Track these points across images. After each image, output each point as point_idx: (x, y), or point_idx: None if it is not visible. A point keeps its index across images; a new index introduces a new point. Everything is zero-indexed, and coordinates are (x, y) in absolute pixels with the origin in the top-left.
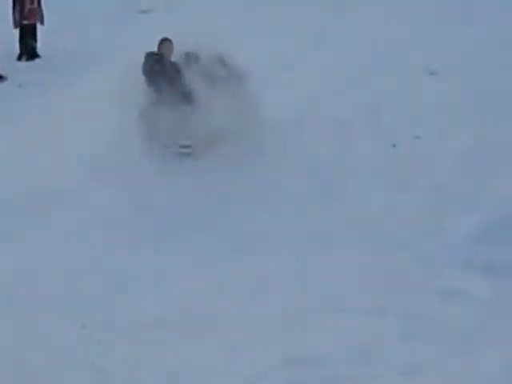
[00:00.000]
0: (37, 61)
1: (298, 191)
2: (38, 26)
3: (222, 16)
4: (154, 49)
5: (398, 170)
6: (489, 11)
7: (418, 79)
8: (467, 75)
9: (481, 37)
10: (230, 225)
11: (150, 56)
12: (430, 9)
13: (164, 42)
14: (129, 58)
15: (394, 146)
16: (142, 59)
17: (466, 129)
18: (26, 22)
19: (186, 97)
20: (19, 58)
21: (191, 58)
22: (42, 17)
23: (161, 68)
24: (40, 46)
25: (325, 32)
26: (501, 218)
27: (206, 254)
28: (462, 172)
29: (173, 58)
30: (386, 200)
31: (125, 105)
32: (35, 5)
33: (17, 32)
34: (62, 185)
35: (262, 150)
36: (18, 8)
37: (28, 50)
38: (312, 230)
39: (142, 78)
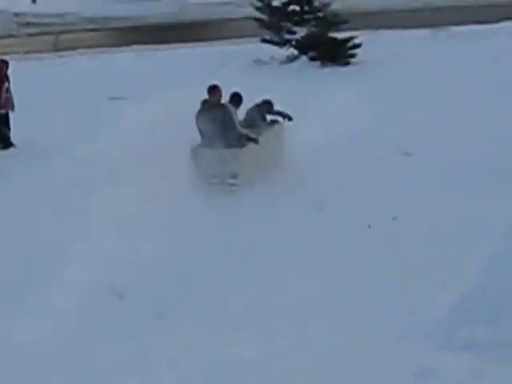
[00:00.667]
0: (11, 150)
1: None
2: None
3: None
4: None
5: (372, 249)
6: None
7: (392, 159)
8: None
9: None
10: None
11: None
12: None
13: (211, 89)
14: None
15: (369, 226)
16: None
17: (439, 207)
18: (2, 111)
19: (236, 138)
20: None
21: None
22: (13, 104)
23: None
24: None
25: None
26: (479, 295)
27: None
28: (437, 249)
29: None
30: (361, 278)
31: None
32: (9, 93)
33: None
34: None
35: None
36: None
37: (2, 139)
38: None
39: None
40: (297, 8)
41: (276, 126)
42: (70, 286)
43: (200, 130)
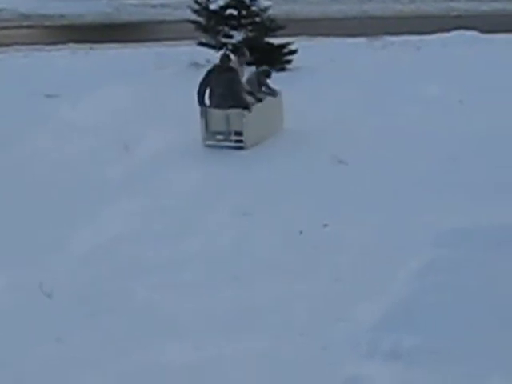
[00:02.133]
0: None
1: None
2: None
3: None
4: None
5: (302, 257)
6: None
7: (326, 167)
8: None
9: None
10: None
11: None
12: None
13: (225, 57)
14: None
15: (300, 233)
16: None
17: (371, 217)
18: None
19: (241, 99)
20: None
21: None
22: None
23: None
24: None
25: None
26: (405, 305)
27: None
28: (365, 260)
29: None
30: (289, 288)
31: None
32: None
33: None
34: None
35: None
36: None
37: None
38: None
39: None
40: (234, 12)
41: (275, 96)
42: None
43: (211, 90)
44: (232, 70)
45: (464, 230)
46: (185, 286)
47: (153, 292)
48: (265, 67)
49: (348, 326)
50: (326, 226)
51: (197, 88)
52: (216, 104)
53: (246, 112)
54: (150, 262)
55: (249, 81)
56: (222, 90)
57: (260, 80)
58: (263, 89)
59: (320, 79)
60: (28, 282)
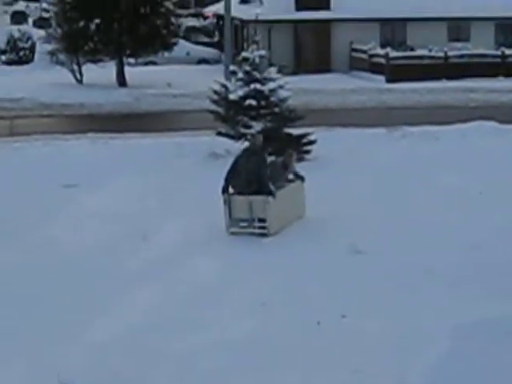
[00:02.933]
0: None
1: None
2: None
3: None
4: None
5: (321, 348)
6: None
7: (344, 257)
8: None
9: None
10: None
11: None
12: None
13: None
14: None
15: (318, 323)
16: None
17: (388, 308)
18: None
19: (266, 185)
20: None
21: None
22: None
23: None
24: None
25: None
26: None
27: None
28: (383, 351)
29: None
30: (308, 380)
31: None
32: None
33: None
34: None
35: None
36: None
37: None
38: None
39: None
40: (253, 102)
41: (297, 182)
42: None
43: (237, 174)
44: (259, 153)
45: (480, 322)
46: (202, 376)
47: (173, 382)
48: (289, 151)
49: None
50: (344, 316)
51: (224, 175)
52: (240, 189)
53: (269, 199)
54: (168, 352)
55: (272, 164)
56: (248, 175)
57: (286, 164)
58: (289, 174)
59: (339, 169)
60: (47, 372)
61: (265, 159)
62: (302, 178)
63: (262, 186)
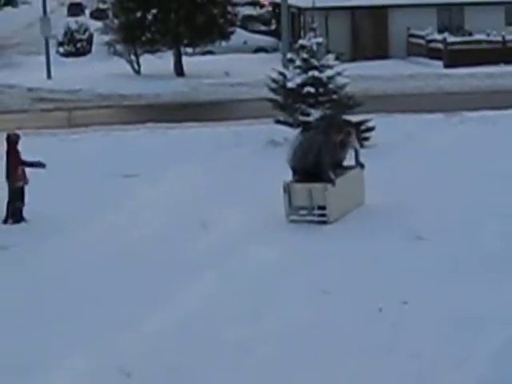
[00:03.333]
0: (22, 224)
1: None
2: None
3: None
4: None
5: (382, 335)
6: None
7: (405, 243)
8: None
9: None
10: None
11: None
12: None
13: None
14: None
15: (380, 310)
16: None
17: (448, 294)
18: (19, 184)
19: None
20: (5, 220)
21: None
22: (27, 178)
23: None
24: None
25: None
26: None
27: None
28: (445, 337)
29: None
30: (370, 366)
31: None
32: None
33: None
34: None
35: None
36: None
37: (15, 213)
38: None
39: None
40: (311, 90)
41: (357, 169)
42: None
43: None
44: (325, 133)
45: None
46: (260, 365)
47: (231, 371)
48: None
49: None
50: (405, 303)
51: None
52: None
53: (329, 186)
54: (226, 341)
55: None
56: (306, 155)
57: (345, 142)
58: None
59: (398, 155)
60: (106, 362)
61: (328, 141)
62: (361, 165)
63: (320, 171)
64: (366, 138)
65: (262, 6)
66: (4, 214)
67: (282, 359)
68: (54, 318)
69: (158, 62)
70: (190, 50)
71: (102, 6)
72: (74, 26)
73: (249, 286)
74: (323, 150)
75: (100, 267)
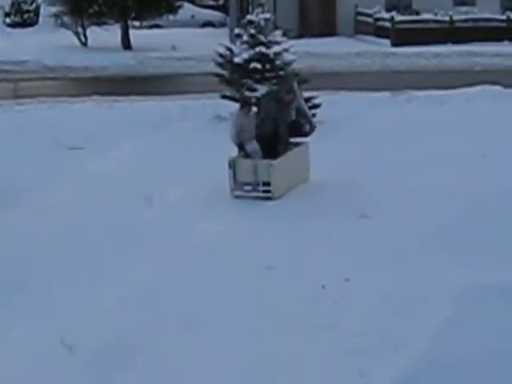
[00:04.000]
0: None
1: None
2: None
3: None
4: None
5: (325, 312)
6: None
7: (348, 221)
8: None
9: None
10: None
11: None
12: None
13: None
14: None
15: (323, 287)
16: None
17: (392, 272)
18: None
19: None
20: None
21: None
22: None
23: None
24: None
25: None
26: (427, 361)
27: None
28: (386, 314)
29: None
30: (311, 343)
31: None
32: None
33: None
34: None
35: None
36: None
37: None
38: None
39: None
40: (258, 66)
41: (302, 146)
42: None
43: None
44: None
45: (485, 285)
46: (207, 341)
47: (177, 347)
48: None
49: (369, 382)
50: (347, 280)
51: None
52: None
53: (273, 162)
54: (172, 319)
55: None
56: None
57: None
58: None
59: (343, 133)
60: (50, 336)
61: (282, 107)
62: (313, 126)
63: (278, 141)
64: (313, 115)
65: None
66: None
67: (225, 336)
68: (3, 290)
69: (105, 35)
70: (137, 23)
71: None
72: None
73: (194, 262)
74: (278, 118)
75: (45, 241)
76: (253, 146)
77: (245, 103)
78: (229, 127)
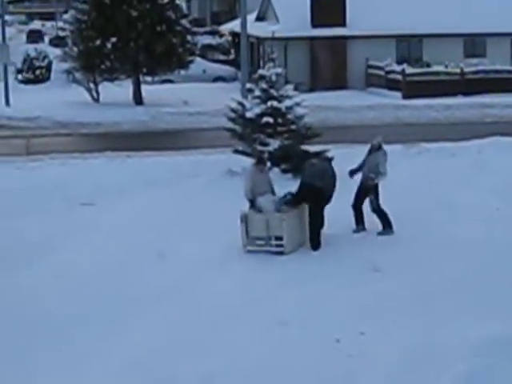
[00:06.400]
0: None
1: None
2: None
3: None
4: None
5: (340, 366)
6: None
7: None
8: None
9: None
10: None
11: None
12: None
13: None
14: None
15: (337, 341)
16: None
17: (407, 326)
18: None
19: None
20: None
21: None
22: None
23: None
24: None
25: None
26: None
27: None
28: (403, 369)
29: None
30: None
31: None
32: None
33: None
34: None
35: None
36: None
37: None
38: None
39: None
40: (270, 120)
41: None
42: None
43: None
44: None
45: (500, 338)
46: None
47: None
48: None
49: None
50: (362, 334)
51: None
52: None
53: (285, 216)
54: (186, 377)
55: None
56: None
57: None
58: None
59: (356, 186)
60: None
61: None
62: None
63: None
64: None
65: (221, 36)
66: None
67: None
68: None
69: (117, 90)
70: (149, 78)
71: (61, 33)
72: (33, 53)
73: (208, 318)
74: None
75: (58, 299)
76: (265, 199)
77: (260, 160)
78: (242, 182)
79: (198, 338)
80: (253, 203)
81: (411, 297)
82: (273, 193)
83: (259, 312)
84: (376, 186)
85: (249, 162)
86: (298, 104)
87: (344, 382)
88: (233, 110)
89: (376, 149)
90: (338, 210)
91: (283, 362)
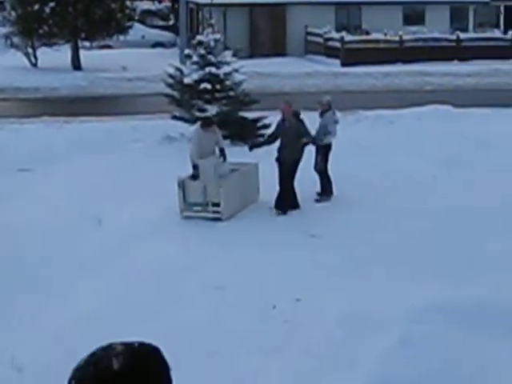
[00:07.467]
0: None
1: None
2: None
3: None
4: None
5: (276, 332)
6: None
7: (299, 241)
8: None
9: None
10: None
11: None
12: None
13: None
14: None
15: (274, 307)
16: None
17: (343, 291)
18: None
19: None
20: None
21: None
22: None
23: None
24: None
25: None
26: (377, 380)
27: None
28: (337, 334)
29: None
30: (262, 363)
31: None
32: None
33: None
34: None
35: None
36: None
37: None
38: None
39: None
40: (208, 86)
41: (251, 165)
42: None
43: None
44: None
45: (436, 304)
46: None
47: None
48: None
49: None
50: (298, 300)
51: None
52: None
53: (222, 183)
54: (121, 339)
55: None
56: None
57: None
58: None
59: None
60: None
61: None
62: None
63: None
64: (263, 135)
65: (160, 1)
66: None
67: (176, 359)
68: None
69: (56, 55)
70: (87, 43)
71: None
72: None
73: (144, 283)
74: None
75: None
76: (208, 161)
77: (206, 121)
78: (188, 146)
79: (134, 301)
80: (196, 168)
81: (348, 263)
82: (222, 154)
83: (196, 277)
84: (326, 147)
85: (186, 127)
86: (236, 70)
87: (280, 347)
88: (171, 76)
89: (326, 110)
90: (274, 177)
91: (220, 328)
